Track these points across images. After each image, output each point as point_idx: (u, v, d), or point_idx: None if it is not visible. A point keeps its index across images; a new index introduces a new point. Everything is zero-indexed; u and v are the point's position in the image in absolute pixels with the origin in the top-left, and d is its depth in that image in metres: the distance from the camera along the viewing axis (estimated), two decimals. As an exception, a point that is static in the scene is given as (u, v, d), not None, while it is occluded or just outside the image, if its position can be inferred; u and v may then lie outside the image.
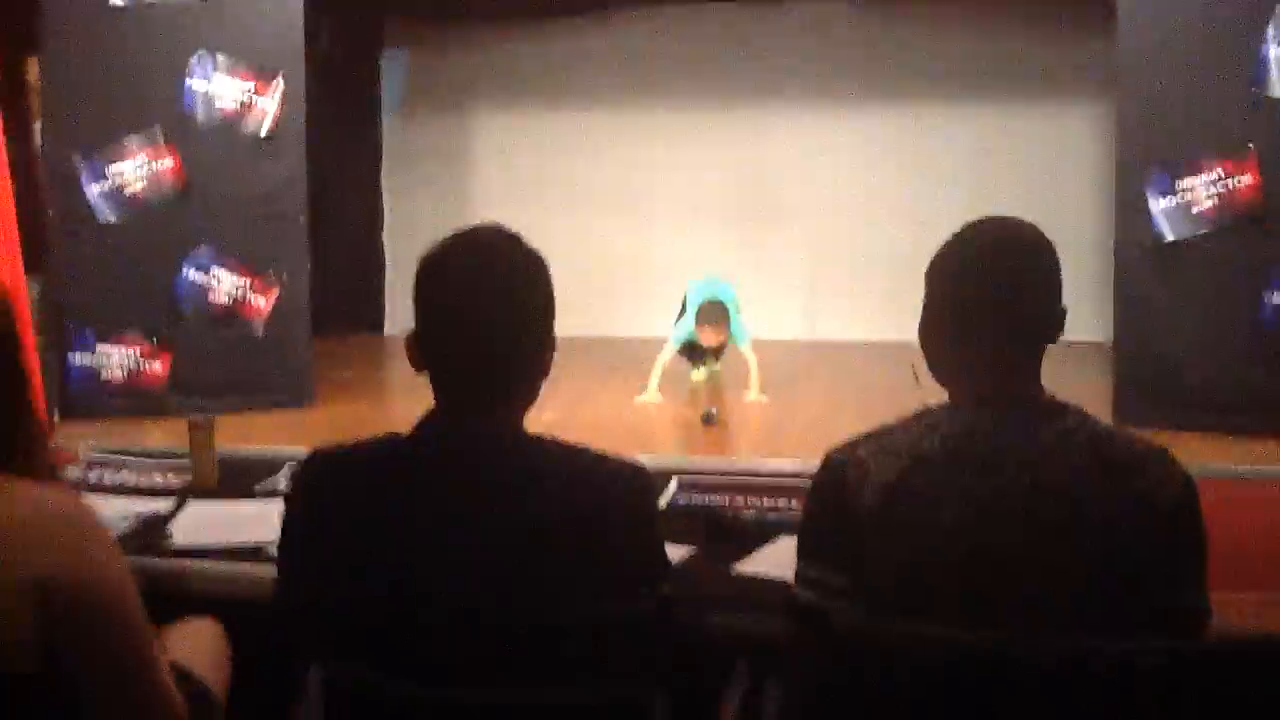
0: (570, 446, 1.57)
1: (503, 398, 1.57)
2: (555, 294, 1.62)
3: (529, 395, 1.61)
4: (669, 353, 5.80)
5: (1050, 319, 1.57)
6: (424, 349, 1.57)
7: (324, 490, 1.56)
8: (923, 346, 1.65)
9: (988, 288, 1.56)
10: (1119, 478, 1.45)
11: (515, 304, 1.56)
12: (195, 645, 1.87)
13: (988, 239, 1.60)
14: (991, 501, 1.43)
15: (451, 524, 1.47)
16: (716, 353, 5.98)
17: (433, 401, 1.58)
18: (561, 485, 1.51)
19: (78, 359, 5.06)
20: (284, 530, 1.59)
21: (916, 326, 1.65)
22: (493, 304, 1.55)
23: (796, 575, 1.56)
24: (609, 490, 1.53)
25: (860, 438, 1.55)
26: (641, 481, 1.59)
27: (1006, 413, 1.51)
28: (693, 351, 5.97)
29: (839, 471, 1.52)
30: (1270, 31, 4.44)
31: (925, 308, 1.63)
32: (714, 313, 5.73)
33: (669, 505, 2.57)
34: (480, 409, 1.55)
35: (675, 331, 5.89)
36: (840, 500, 1.50)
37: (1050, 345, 1.59)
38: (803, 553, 1.57)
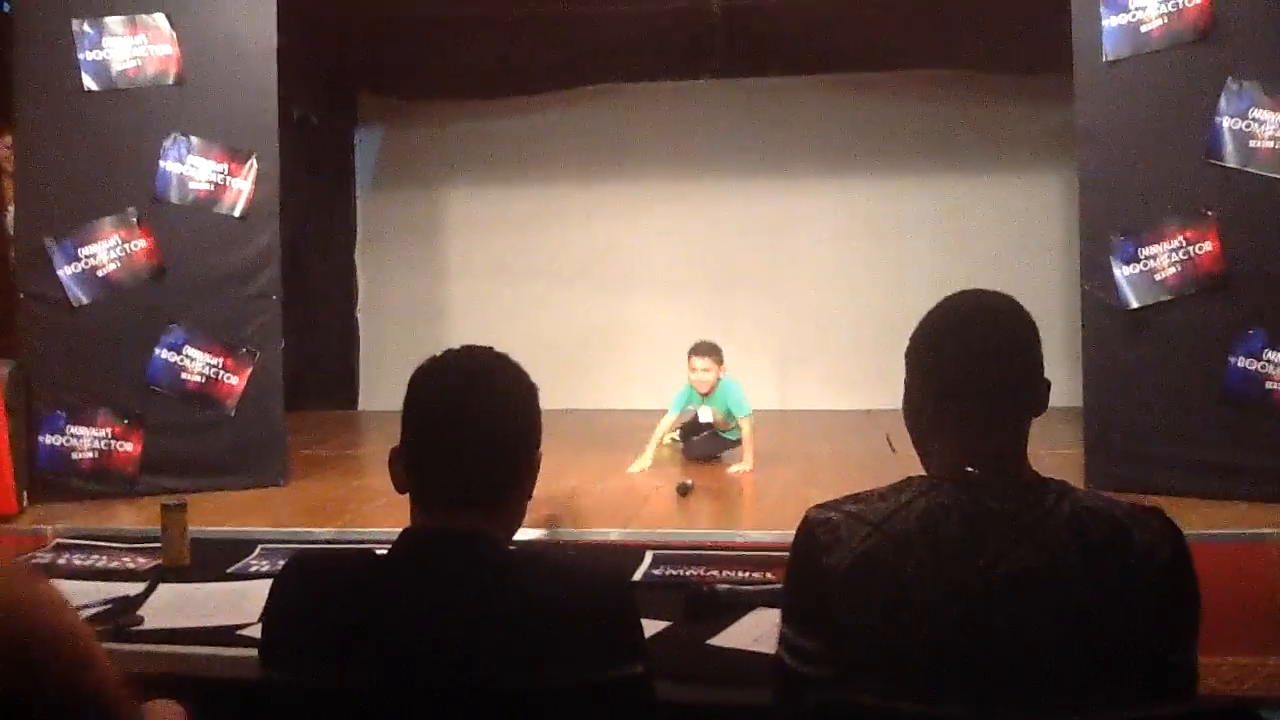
0: (551, 558, 1.58)
1: (487, 516, 1.58)
2: (531, 371, 1.65)
3: (514, 513, 1.65)
4: (668, 420, 5.83)
5: (1034, 393, 1.56)
6: (410, 463, 1.59)
7: (304, 601, 1.56)
8: (907, 425, 1.63)
9: (971, 366, 1.54)
10: (1101, 556, 1.42)
11: (503, 427, 1.59)
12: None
13: (966, 315, 1.59)
14: (968, 583, 1.41)
15: (432, 643, 1.46)
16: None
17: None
18: (544, 600, 1.50)
19: (48, 440, 5.02)
20: (264, 633, 1.59)
21: (888, 395, 1.65)
22: (482, 424, 1.57)
23: (779, 635, 1.56)
24: (594, 604, 1.53)
25: (840, 499, 1.54)
26: (623, 590, 1.62)
27: (986, 493, 1.47)
28: (694, 427, 5.95)
29: (813, 531, 1.51)
30: (1222, 103, 4.56)
31: (907, 387, 1.62)
32: (706, 345, 5.79)
33: (644, 579, 2.56)
34: (465, 527, 1.55)
35: (674, 401, 5.91)
36: (811, 561, 1.49)
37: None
38: (783, 614, 1.56)
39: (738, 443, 5.79)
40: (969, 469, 1.51)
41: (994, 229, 8.20)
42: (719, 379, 5.77)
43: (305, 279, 8.07)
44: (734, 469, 5.63)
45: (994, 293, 1.61)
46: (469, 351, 1.66)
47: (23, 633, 1.29)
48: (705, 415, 5.87)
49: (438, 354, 1.65)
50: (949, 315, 1.60)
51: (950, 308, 1.60)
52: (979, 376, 1.53)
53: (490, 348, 1.67)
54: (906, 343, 1.64)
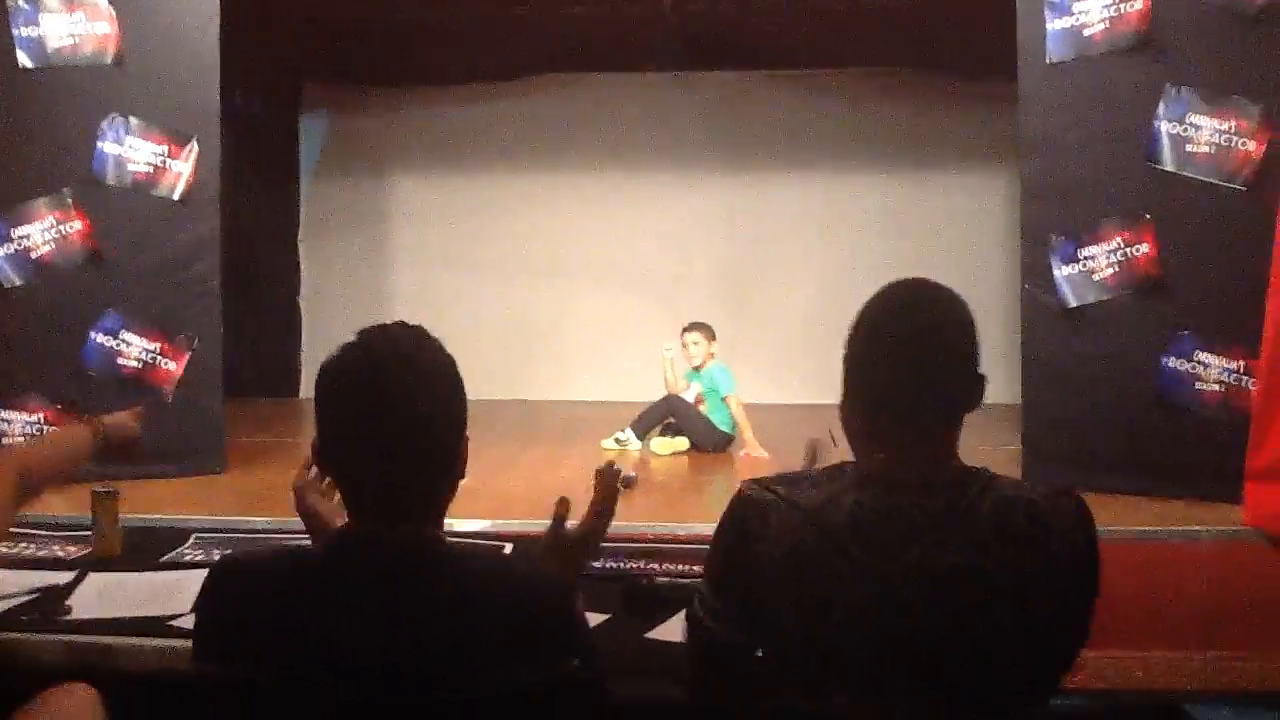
0: (487, 559, 1.53)
1: (414, 507, 1.51)
2: (474, 365, 1.59)
3: (443, 501, 1.57)
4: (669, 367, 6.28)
5: (969, 387, 1.54)
6: (328, 458, 1.53)
7: (235, 603, 1.49)
8: (841, 419, 1.62)
9: (906, 360, 1.52)
10: (1022, 549, 1.45)
11: (420, 414, 1.49)
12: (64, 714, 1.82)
13: (902, 307, 1.56)
14: (897, 582, 1.43)
15: (364, 642, 1.42)
16: (681, 426, 6.16)
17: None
18: (480, 602, 1.46)
19: (-23, 425, 4.91)
20: (195, 637, 1.53)
21: (833, 390, 1.62)
22: (396, 415, 1.47)
23: (698, 591, 1.58)
24: (530, 604, 1.49)
25: (774, 479, 1.55)
26: (560, 590, 1.57)
27: (915, 491, 1.48)
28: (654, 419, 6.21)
29: (746, 513, 1.53)
30: (1161, 108, 4.63)
31: (846, 379, 1.60)
32: (696, 323, 6.26)
33: (584, 571, 2.55)
34: (391, 521, 1.49)
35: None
36: (740, 543, 1.52)
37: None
38: (706, 576, 1.59)
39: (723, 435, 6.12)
40: (895, 465, 1.52)
41: (938, 227, 8.28)
42: (711, 355, 6.21)
43: (247, 266, 7.95)
44: (745, 453, 5.93)
45: (928, 284, 1.58)
46: (378, 338, 1.51)
47: None
48: (691, 393, 6.24)
49: (349, 340, 1.51)
50: (882, 311, 1.57)
51: (883, 302, 1.57)
52: (914, 372, 1.51)
53: (400, 323, 1.54)
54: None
